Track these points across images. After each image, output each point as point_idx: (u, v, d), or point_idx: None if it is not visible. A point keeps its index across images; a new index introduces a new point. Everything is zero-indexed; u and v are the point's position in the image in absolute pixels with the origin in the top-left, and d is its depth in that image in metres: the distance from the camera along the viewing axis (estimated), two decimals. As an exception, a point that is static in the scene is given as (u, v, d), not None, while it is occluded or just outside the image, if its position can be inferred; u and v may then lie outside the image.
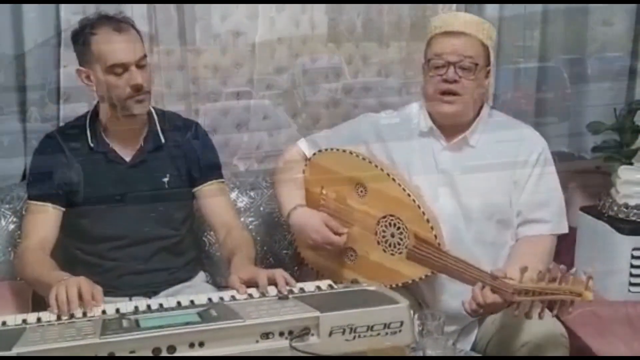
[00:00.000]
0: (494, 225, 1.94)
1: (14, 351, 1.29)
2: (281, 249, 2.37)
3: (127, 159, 1.97)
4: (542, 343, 1.78)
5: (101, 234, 1.96)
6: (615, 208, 2.46)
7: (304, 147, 2.14)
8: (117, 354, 1.32)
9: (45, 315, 1.52)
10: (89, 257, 1.97)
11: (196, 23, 2.48)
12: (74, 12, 2.27)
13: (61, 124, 2.30)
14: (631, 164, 2.55)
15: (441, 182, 1.95)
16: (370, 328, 1.42)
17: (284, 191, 2.09)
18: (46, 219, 1.92)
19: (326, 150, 2.08)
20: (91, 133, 1.96)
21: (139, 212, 1.97)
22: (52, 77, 2.34)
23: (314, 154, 2.10)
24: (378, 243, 1.95)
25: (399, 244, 1.92)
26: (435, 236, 1.85)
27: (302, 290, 1.62)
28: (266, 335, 1.39)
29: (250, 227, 2.32)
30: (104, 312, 1.53)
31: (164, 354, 1.34)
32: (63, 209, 1.94)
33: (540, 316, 1.64)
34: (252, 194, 2.38)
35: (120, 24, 1.87)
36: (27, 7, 2.29)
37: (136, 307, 1.55)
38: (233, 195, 2.33)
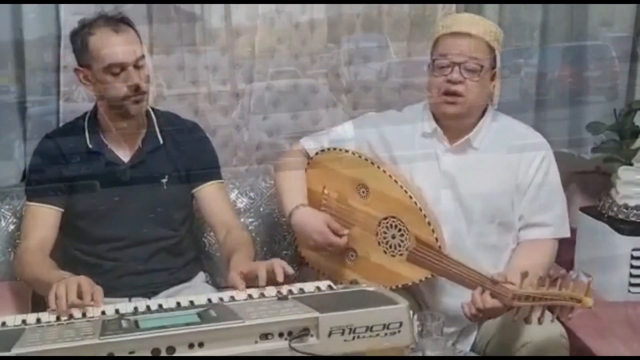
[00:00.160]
0: (496, 228, 1.94)
1: (13, 352, 1.29)
2: (281, 249, 2.37)
3: (126, 159, 1.97)
4: (542, 344, 1.78)
5: (100, 235, 1.96)
6: (615, 209, 2.46)
7: (306, 145, 2.13)
8: (117, 355, 1.32)
9: (45, 316, 1.51)
10: (89, 258, 1.97)
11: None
12: (74, 12, 2.27)
13: (61, 124, 2.30)
14: (631, 164, 2.54)
15: (443, 184, 1.95)
16: (369, 329, 1.42)
17: (286, 190, 2.08)
18: (45, 220, 1.93)
19: (329, 149, 2.07)
20: (89, 134, 1.96)
21: (138, 212, 1.97)
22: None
23: (317, 153, 2.09)
24: (379, 244, 1.95)
25: (399, 246, 1.92)
26: (437, 239, 1.85)
27: (301, 290, 1.62)
28: (265, 336, 1.39)
29: (250, 227, 2.32)
30: (103, 312, 1.53)
31: (163, 354, 1.33)
32: (62, 210, 1.95)
33: (539, 321, 1.64)
34: (251, 194, 2.38)
35: (119, 24, 1.88)
36: (27, 8, 2.29)
37: (135, 308, 1.55)
38: (233, 195, 2.33)
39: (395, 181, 1.93)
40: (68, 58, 2.20)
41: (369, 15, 2.60)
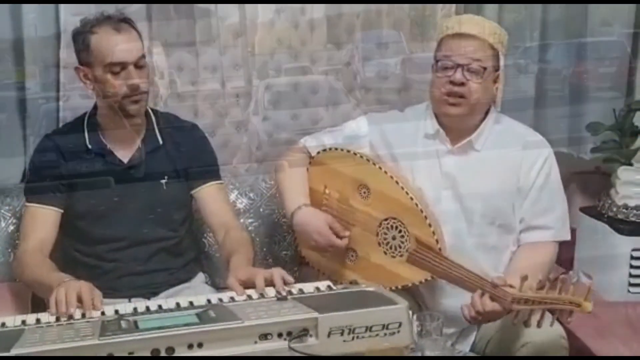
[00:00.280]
0: (496, 229, 1.93)
1: (13, 352, 1.29)
2: (281, 250, 2.36)
3: (125, 160, 1.97)
4: (541, 344, 1.78)
5: (100, 235, 1.96)
6: (615, 209, 2.46)
7: (308, 145, 2.12)
8: (116, 355, 1.32)
9: (44, 317, 1.51)
10: (88, 259, 1.97)
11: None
12: (74, 12, 2.27)
13: (60, 124, 2.30)
14: (631, 164, 2.54)
15: (445, 185, 1.95)
16: (368, 329, 1.42)
17: (287, 189, 2.08)
18: (44, 221, 1.92)
19: (330, 149, 2.07)
20: (89, 134, 1.96)
21: (137, 213, 1.97)
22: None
23: (318, 152, 2.09)
24: (379, 245, 1.95)
25: (400, 247, 1.92)
26: (437, 241, 1.84)
27: (300, 291, 1.62)
28: (265, 336, 1.39)
29: (250, 228, 2.32)
30: (102, 313, 1.53)
31: (163, 354, 1.34)
32: (61, 211, 1.94)
33: (539, 324, 1.64)
34: (251, 195, 2.38)
35: (120, 24, 1.88)
36: (27, 8, 2.29)
37: (135, 309, 1.55)
38: (233, 196, 2.33)
39: (397, 182, 1.92)
40: (68, 58, 2.20)
41: (368, 15, 2.61)
